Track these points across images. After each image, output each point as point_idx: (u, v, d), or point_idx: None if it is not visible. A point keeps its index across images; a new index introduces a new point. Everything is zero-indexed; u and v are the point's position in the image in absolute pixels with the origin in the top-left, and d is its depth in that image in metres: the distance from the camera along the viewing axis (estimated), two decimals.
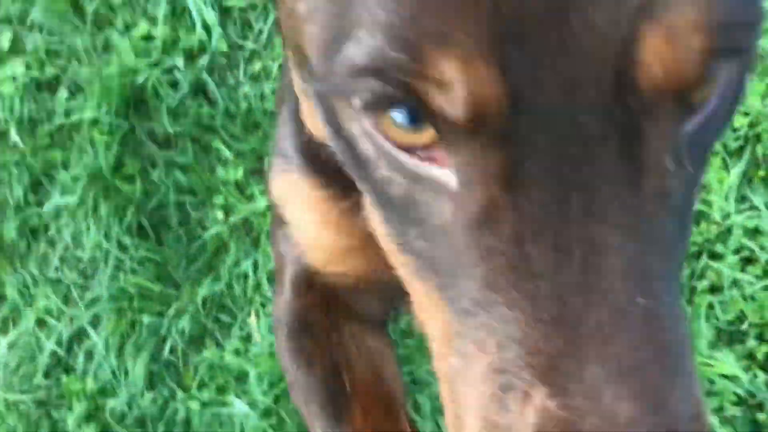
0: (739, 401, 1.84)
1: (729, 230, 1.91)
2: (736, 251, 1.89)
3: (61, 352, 2.01)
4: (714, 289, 1.90)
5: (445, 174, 0.36)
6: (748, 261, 1.90)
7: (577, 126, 0.32)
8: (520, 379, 0.34)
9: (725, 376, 1.82)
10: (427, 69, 0.32)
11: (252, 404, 1.92)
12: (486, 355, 0.35)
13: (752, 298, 1.86)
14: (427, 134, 0.36)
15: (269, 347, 1.96)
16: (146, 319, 1.99)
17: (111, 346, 1.98)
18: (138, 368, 1.97)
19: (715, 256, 1.91)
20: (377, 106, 0.35)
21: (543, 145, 0.32)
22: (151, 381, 1.99)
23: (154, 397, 1.96)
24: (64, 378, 1.99)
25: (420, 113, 0.34)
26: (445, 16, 0.31)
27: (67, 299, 2.03)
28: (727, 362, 1.80)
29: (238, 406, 1.92)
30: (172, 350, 2.01)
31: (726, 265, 1.88)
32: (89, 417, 1.94)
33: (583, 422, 0.33)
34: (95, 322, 2.00)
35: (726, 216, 1.91)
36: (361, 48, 0.33)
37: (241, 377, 1.97)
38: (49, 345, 2.00)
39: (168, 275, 2.03)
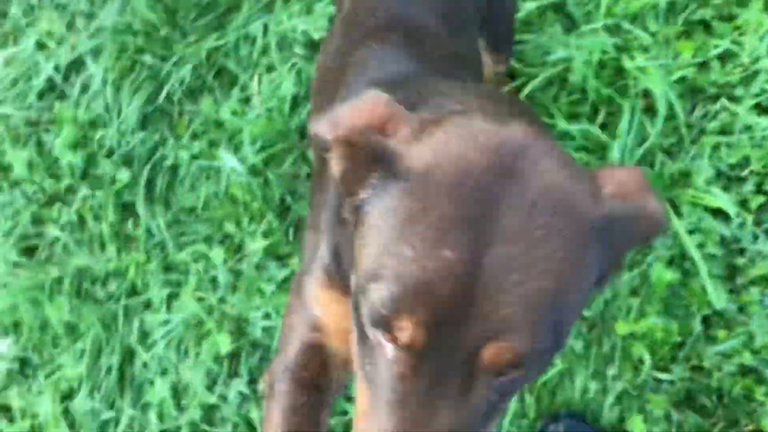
0: (723, 243, 1.83)
1: (754, 74, 1.85)
2: (756, 96, 1.83)
3: (57, 78, 1.97)
4: (724, 132, 1.86)
5: (390, 349, 0.70)
6: (765, 109, 1.85)
7: (450, 362, 0.67)
8: None
9: (714, 214, 1.81)
10: (401, 322, 0.67)
11: (242, 161, 1.90)
12: (381, 425, 0.70)
13: (760, 145, 1.82)
14: (389, 337, 0.69)
15: (267, 112, 1.93)
16: (148, 59, 1.94)
17: (109, 79, 1.94)
18: (132, 107, 1.94)
19: (732, 99, 1.86)
20: (373, 320, 0.70)
21: (433, 361, 0.67)
22: (144, 123, 1.97)
23: (145, 139, 1.94)
24: (57, 104, 1.96)
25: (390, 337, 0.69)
26: (416, 303, 0.65)
27: (70, 26, 1.97)
28: (720, 199, 1.78)
29: (228, 161, 1.90)
30: (169, 97, 1.97)
31: (742, 108, 1.83)
32: (77, 144, 1.93)
33: None
34: (96, 53, 1.96)
35: (755, 60, 1.85)
36: (381, 295, 0.68)
37: (235, 136, 1.95)
38: (47, 68, 1.96)
39: (176, 21, 1.97)
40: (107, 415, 1.84)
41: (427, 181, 0.69)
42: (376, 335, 0.70)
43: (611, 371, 1.83)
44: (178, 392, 1.85)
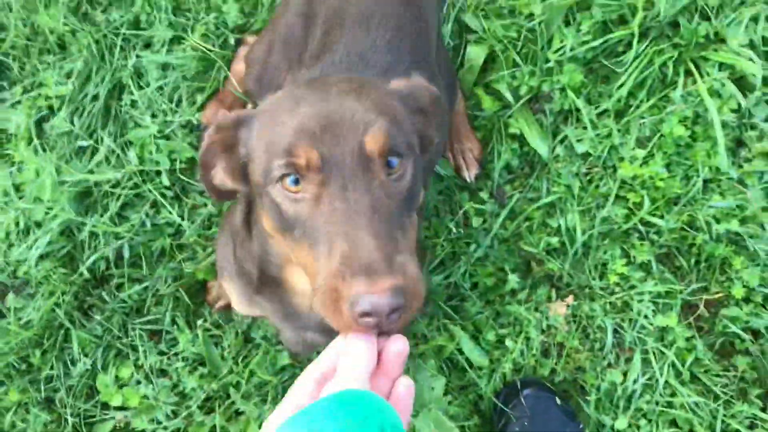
0: (737, 113, 1.84)
1: None
2: None
3: None
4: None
5: (307, 194, 0.91)
6: None
7: (345, 166, 0.89)
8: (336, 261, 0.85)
9: (736, 84, 1.80)
10: (296, 153, 0.89)
11: None
12: (329, 263, 0.86)
13: None
14: (299, 187, 0.91)
15: None
16: None
17: None
18: None
19: None
20: (284, 176, 0.91)
21: (335, 174, 0.88)
22: None
23: None
24: None
25: (297, 178, 0.91)
26: (297, 139, 0.90)
27: None
28: (751, 65, 1.78)
29: None
30: None
31: None
32: None
33: (354, 268, 0.82)
34: None
35: None
36: (278, 155, 0.91)
37: None
38: None
39: None
40: (85, 142, 1.72)
41: (274, 101, 1.01)
42: (285, 194, 0.92)
43: (602, 213, 1.83)
44: (164, 138, 1.75)
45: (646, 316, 1.81)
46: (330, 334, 1.09)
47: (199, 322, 1.71)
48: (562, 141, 1.87)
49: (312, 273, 0.90)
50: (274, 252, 1.11)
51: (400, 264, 0.83)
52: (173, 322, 1.72)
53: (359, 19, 1.38)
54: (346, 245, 0.84)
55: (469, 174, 1.81)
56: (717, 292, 1.86)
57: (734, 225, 1.80)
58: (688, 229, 1.82)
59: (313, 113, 0.91)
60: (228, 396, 1.70)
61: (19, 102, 1.73)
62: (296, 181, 0.90)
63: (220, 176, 1.05)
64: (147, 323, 1.72)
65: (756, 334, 1.84)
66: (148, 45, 1.79)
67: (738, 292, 1.81)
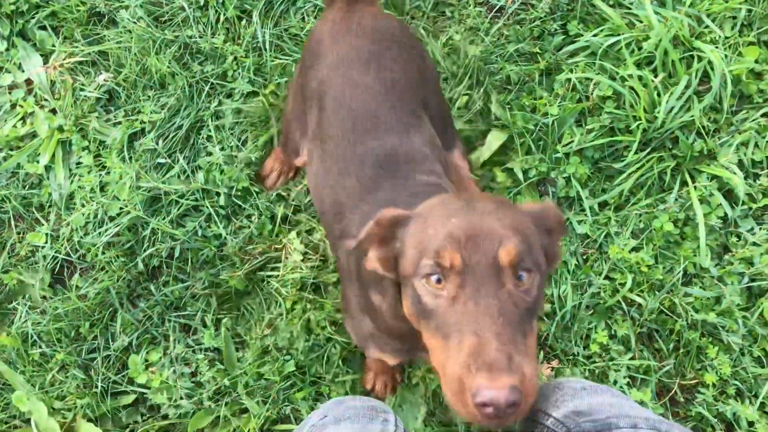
0: (724, 221, 2.06)
1: None
2: None
3: None
4: (758, 133, 2.11)
5: (445, 292, 1.07)
6: None
7: (480, 272, 1.05)
8: (468, 360, 0.98)
9: (724, 197, 2.04)
10: (443, 255, 1.07)
11: None
12: (458, 355, 1.00)
13: None
14: (441, 285, 1.07)
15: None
16: None
17: None
18: None
19: None
20: (429, 274, 1.09)
21: (471, 278, 1.05)
22: None
23: None
24: None
25: (441, 278, 1.08)
26: (446, 243, 1.07)
27: None
28: (738, 180, 2.02)
29: None
30: None
31: None
32: None
33: (482, 371, 0.96)
34: None
35: None
36: (428, 255, 1.09)
37: None
38: None
39: None
40: (164, 160, 2.09)
41: (429, 208, 1.20)
42: (428, 289, 1.09)
43: (592, 289, 2.04)
44: (227, 165, 2.11)
45: (621, 388, 1.97)
46: None
47: (224, 320, 1.99)
48: None
49: (440, 358, 1.06)
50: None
51: (519, 364, 0.96)
52: (203, 319, 2.00)
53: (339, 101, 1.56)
54: (474, 341, 0.98)
55: None
56: (693, 378, 2.01)
57: (711, 317, 1.98)
58: (669, 314, 2.02)
59: (460, 224, 1.08)
60: (236, 392, 1.93)
61: (119, 122, 2.14)
62: (439, 280, 1.07)
63: (373, 263, 1.24)
64: (181, 317, 2.00)
65: (730, 426, 1.97)
66: (229, 95, 2.19)
67: (710, 378, 1.96)
